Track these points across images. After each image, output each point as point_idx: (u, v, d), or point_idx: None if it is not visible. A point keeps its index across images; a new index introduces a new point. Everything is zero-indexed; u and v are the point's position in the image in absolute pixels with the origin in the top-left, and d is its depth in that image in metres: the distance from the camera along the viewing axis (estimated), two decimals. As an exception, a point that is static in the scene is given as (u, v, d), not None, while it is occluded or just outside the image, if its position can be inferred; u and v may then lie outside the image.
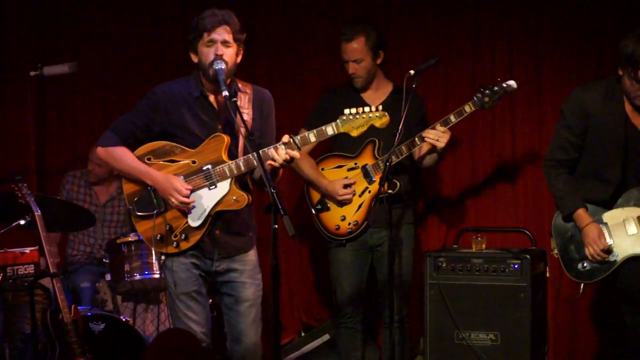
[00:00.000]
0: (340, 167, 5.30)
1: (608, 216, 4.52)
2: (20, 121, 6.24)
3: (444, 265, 5.46)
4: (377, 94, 5.35)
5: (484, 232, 5.62)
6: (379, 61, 5.30)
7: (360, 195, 5.20)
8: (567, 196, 4.55)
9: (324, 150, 5.45)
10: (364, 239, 5.27)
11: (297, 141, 3.99)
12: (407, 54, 5.91)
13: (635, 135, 4.42)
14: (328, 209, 5.28)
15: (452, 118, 4.99)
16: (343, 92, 5.40)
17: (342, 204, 5.22)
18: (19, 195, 4.90)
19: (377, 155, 5.19)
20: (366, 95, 5.34)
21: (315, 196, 5.34)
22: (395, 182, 5.09)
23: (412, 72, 4.79)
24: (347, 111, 3.96)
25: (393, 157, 4.99)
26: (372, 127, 4.03)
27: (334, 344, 5.69)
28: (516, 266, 5.28)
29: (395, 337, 5.13)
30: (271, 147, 4.01)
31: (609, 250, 4.46)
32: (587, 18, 5.66)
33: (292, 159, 4.00)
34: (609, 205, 4.52)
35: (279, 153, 3.99)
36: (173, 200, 4.16)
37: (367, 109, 3.96)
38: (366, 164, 5.22)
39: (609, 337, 5.58)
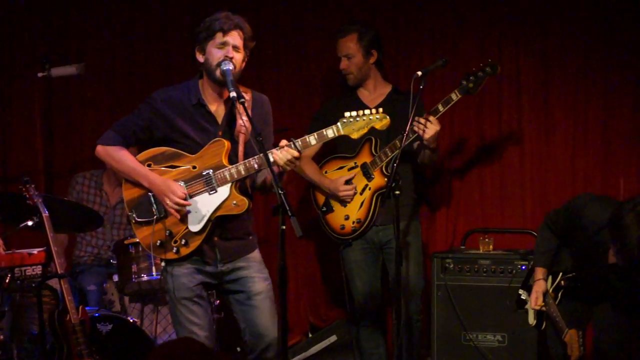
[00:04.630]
0: (341, 168, 5.37)
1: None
2: (28, 122, 6.25)
3: (451, 266, 5.47)
4: (375, 94, 5.41)
5: (491, 234, 5.63)
6: (371, 60, 5.37)
7: (361, 193, 5.25)
8: (538, 252, 4.76)
9: (328, 154, 5.48)
10: (370, 237, 5.29)
11: (297, 145, 3.98)
12: (415, 57, 5.91)
13: (603, 264, 4.42)
14: (333, 210, 5.32)
15: (440, 107, 5.06)
16: (342, 97, 5.50)
17: (345, 202, 5.25)
18: (27, 196, 4.90)
19: (374, 153, 5.24)
20: (363, 96, 5.42)
21: (321, 199, 5.42)
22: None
23: (419, 73, 4.80)
24: (347, 114, 3.96)
25: (388, 151, 5.10)
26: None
27: (341, 345, 5.69)
28: (524, 267, 5.29)
29: (411, 336, 5.15)
30: (272, 150, 4.00)
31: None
32: (594, 21, 5.65)
33: (295, 159, 3.98)
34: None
35: (280, 153, 3.98)
36: (168, 201, 4.12)
37: (367, 111, 3.95)
38: (365, 162, 5.27)
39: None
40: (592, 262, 4.48)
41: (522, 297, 4.80)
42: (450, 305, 5.42)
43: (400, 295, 4.94)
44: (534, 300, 4.66)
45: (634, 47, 5.59)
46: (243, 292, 4.26)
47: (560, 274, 4.66)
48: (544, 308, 4.65)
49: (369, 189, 5.25)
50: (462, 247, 5.75)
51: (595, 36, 5.66)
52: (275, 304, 4.28)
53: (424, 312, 5.60)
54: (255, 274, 4.27)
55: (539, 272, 4.69)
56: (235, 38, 4.13)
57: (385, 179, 5.13)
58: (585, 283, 4.59)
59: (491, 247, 5.54)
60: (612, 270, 4.37)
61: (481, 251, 5.54)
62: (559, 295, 4.66)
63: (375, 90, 5.43)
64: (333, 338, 5.78)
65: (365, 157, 5.29)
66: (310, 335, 6.04)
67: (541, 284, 4.66)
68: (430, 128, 4.98)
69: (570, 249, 4.65)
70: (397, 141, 5.07)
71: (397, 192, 4.75)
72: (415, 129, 4.99)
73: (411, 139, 5.07)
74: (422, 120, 4.99)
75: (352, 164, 5.33)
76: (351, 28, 5.39)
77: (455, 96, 5.05)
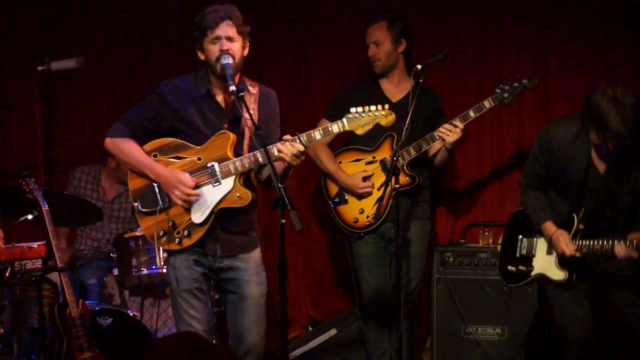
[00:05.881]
0: (358, 160, 5.31)
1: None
2: (27, 116, 6.24)
3: (451, 260, 5.48)
4: (399, 89, 5.35)
5: (491, 227, 5.64)
6: (400, 49, 5.33)
7: (378, 189, 5.21)
8: (535, 212, 4.57)
9: (343, 144, 5.45)
10: (382, 232, 5.27)
11: (302, 139, 3.99)
12: (415, 50, 5.90)
13: (595, 177, 4.37)
14: (346, 201, 5.29)
15: (472, 113, 5.05)
16: (365, 84, 5.43)
17: (361, 197, 5.23)
18: (27, 190, 4.90)
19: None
20: (386, 89, 5.35)
21: (333, 189, 5.36)
22: (414, 175, 5.10)
23: (419, 66, 4.80)
24: (353, 109, 3.96)
25: (412, 150, 5.02)
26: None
27: (341, 338, 5.69)
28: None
29: (403, 331, 5.15)
30: (276, 144, 4.01)
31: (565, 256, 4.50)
32: (594, 12, 5.64)
33: (301, 153, 3.99)
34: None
35: (285, 147, 3.98)
36: (178, 192, 4.14)
37: (372, 107, 3.96)
38: (384, 158, 5.22)
39: (612, 330, 5.57)
40: (582, 179, 4.36)
41: (512, 271, 4.65)
42: (450, 298, 5.42)
43: (400, 292, 4.93)
44: (567, 248, 4.39)
45: (634, 47, 5.58)
46: (236, 293, 4.28)
47: (574, 216, 4.43)
48: (577, 254, 4.40)
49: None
50: (462, 240, 5.75)
51: (595, 36, 5.65)
52: (275, 300, 4.29)
53: (424, 306, 5.61)
54: (251, 277, 4.27)
55: (550, 225, 4.48)
56: (225, 30, 4.13)
57: (408, 178, 5.12)
58: (593, 211, 4.42)
59: (491, 240, 5.55)
60: (606, 174, 4.30)
61: (481, 245, 5.55)
62: (577, 240, 4.43)
63: (399, 85, 5.36)
64: (333, 331, 5.79)
65: (385, 153, 5.24)
66: (310, 329, 6.05)
67: (562, 232, 4.43)
68: (455, 133, 4.99)
69: (558, 193, 4.51)
70: (422, 141, 5.06)
71: (397, 186, 4.75)
72: (441, 134, 5.00)
73: (437, 140, 5.07)
74: (449, 126, 4.98)
75: (370, 157, 5.29)
76: (382, 16, 5.35)
77: (488, 104, 5.06)
